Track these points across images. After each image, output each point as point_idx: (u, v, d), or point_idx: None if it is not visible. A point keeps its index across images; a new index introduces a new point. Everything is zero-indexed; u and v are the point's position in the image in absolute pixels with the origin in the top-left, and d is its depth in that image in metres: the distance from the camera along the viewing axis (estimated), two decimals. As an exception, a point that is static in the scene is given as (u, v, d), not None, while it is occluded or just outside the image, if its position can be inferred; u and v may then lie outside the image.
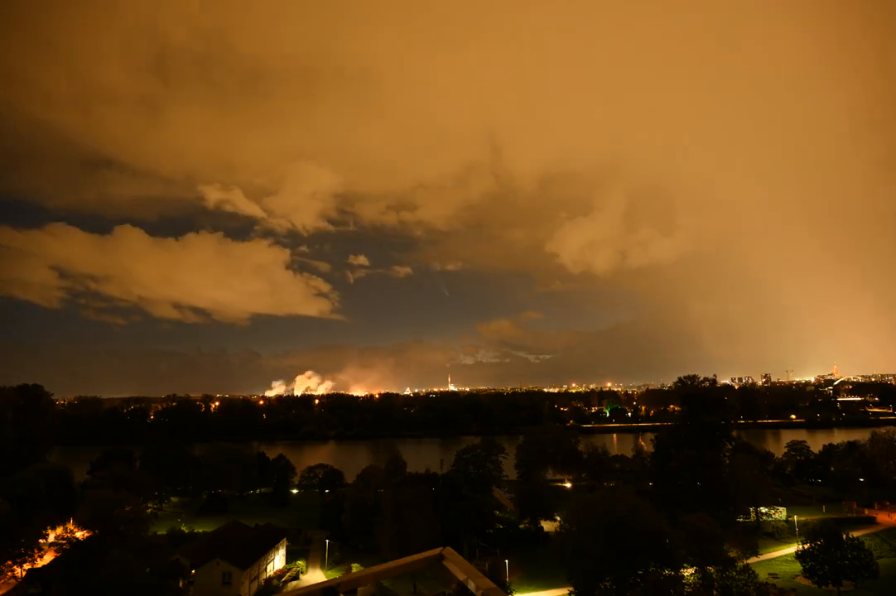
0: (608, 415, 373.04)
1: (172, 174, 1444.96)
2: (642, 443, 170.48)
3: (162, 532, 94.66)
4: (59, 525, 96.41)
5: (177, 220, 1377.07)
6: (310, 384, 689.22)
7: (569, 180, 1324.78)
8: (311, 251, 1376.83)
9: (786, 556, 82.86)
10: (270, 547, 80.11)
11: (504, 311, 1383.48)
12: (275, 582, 76.09)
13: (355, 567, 77.63)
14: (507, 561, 74.36)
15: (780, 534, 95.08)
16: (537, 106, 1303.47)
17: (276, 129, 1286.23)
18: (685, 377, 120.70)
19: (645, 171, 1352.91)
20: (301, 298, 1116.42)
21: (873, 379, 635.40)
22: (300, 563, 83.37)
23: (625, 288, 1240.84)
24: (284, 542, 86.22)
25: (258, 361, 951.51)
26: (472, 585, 57.99)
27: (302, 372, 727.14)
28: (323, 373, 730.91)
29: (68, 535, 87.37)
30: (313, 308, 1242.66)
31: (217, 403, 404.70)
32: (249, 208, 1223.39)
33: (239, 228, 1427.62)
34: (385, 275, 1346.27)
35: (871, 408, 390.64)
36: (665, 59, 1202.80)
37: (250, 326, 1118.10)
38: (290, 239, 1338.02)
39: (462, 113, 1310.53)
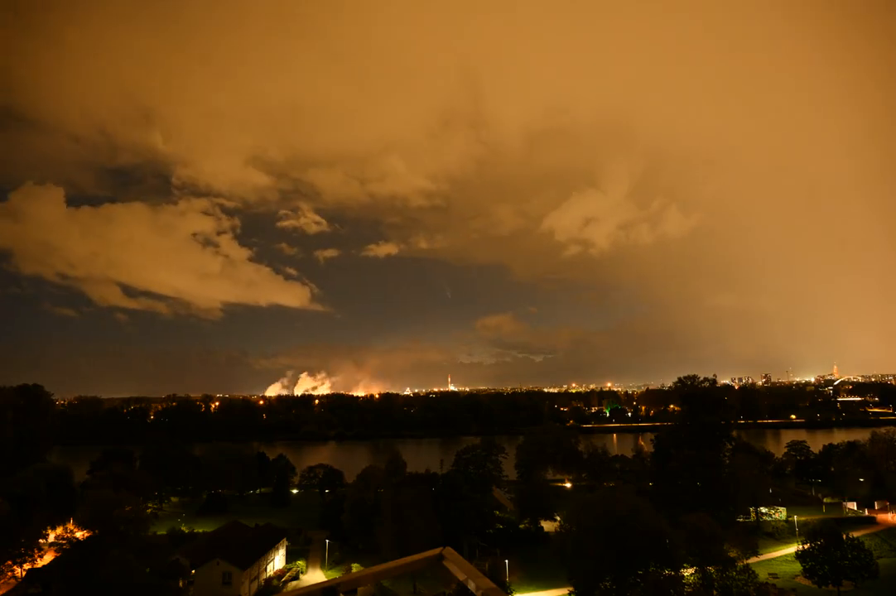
0: (608, 415, 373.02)
1: (82, 128, 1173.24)
2: (642, 443, 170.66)
3: (162, 532, 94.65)
4: (59, 525, 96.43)
5: (91, 188, 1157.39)
6: (310, 385, 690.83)
7: (564, 140, 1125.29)
8: (261, 228, 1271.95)
9: (786, 556, 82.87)
10: (270, 547, 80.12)
11: (498, 304, 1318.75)
12: (275, 582, 76.11)
13: (355, 567, 77.63)
14: (507, 561, 74.38)
15: (780, 534, 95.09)
16: (526, 44, 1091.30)
17: (194, 60, 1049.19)
18: (685, 377, 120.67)
19: (656, 132, 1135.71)
20: (270, 283, 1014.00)
21: (873, 379, 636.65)
22: (300, 563, 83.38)
23: (628, 275, 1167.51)
24: (284, 542, 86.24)
25: (247, 360, 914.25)
26: (472, 585, 58.02)
27: (294, 372, 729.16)
28: (316, 373, 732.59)
29: (68, 535, 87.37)
30: (290, 297, 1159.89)
31: (217, 403, 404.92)
32: (171, 159, 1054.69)
33: (168, 199, 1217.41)
34: (359, 256, 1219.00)
35: (871, 408, 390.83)
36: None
37: (225, 318, 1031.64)
38: (235, 210, 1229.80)
39: (434, 48, 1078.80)
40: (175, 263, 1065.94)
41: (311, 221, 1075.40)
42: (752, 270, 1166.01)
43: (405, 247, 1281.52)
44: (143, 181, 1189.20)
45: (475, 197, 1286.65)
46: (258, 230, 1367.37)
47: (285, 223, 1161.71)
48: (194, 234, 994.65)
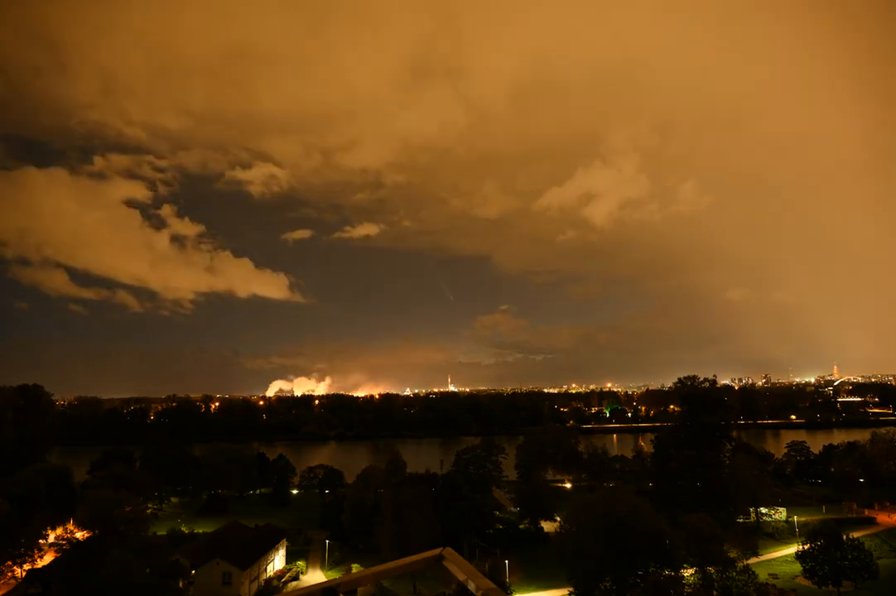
0: (608, 415, 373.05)
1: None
2: (642, 443, 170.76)
3: (162, 532, 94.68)
4: (59, 525, 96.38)
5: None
6: (309, 385, 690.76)
7: (557, 100, 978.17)
8: (208, 201, 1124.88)
9: (786, 556, 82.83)
10: (270, 547, 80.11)
11: (492, 298, 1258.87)
12: (275, 582, 76.10)
13: (355, 567, 77.63)
14: (507, 561, 74.37)
15: (780, 534, 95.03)
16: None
17: None
18: (685, 377, 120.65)
19: (664, 92, 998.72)
20: (237, 269, 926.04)
21: (873, 379, 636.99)
22: (300, 563, 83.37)
23: (628, 265, 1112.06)
24: (284, 542, 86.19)
25: (239, 359, 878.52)
26: (472, 586, 58.04)
27: (293, 372, 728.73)
28: (315, 373, 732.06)
29: (68, 535, 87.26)
30: (267, 287, 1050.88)
31: (217, 404, 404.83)
32: (90, 119, 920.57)
33: (86, 159, 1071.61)
34: (332, 239, 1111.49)
35: (871, 408, 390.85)
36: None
37: (199, 311, 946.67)
38: (170, 167, 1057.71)
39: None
40: (118, 241, 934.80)
41: (267, 191, 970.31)
42: (755, 268, 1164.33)
43: (386, 227, 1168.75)
44: (63, 153, 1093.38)
45: (458, 171, 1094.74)
46: (205, 203, 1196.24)
47: (234, 191, 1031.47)
48: (126, 202, 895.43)
